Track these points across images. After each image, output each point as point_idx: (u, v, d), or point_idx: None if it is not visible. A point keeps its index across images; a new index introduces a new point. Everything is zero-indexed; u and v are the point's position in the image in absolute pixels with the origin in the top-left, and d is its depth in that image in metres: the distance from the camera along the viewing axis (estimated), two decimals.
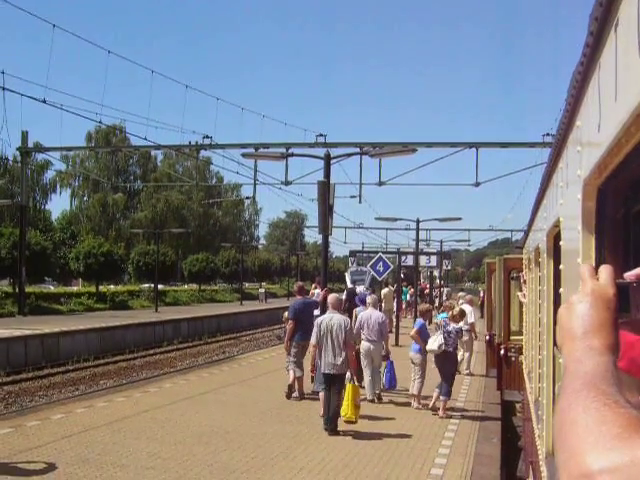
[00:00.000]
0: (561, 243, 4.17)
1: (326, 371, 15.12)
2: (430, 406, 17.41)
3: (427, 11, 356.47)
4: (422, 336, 17.92)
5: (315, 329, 15.52)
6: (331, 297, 16.57)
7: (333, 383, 15.07)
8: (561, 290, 4.18)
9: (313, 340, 15.64)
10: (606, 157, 2.46)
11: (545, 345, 6.33)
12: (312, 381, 19.02)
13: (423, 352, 17.81)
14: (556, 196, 4.74)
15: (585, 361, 1.35)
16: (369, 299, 20.22)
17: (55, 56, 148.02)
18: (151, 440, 13.67)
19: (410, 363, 18.30)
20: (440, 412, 17.06)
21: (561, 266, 4.14)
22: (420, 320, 18.52)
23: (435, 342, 17.62)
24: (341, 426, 14.93)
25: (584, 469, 1.16)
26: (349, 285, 42.13)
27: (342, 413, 14.81)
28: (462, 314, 19.02)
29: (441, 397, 17.27)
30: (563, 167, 4.18)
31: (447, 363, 17.41)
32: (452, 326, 17.60)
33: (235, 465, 12.03)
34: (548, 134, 39.25)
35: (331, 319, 15.34)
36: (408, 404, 18.19)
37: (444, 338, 17.35)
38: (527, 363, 12.46)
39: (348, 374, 15.31)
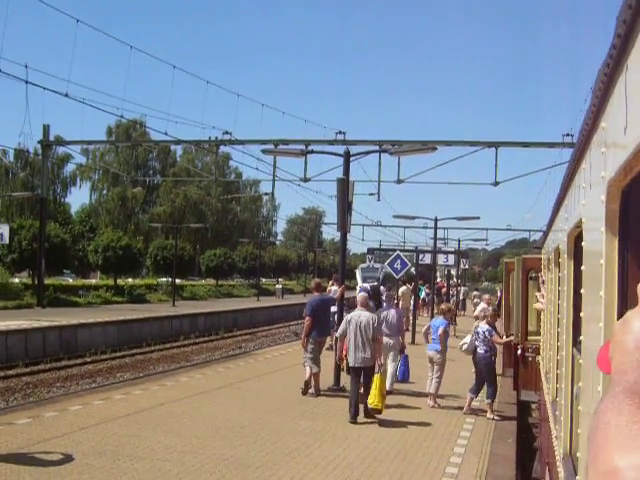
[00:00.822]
0: (583, 244, 4.16)
1: (355, 364, 15.93)
2: (464, 411, 17.35)
3: (445, 9, 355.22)
4: (445, 335, 18.05)
5: (343, 324, 16.52)
6: (360, 296, 17.53)
7: (361, 375, 15.91)
8: (582, 291, 4.18)
9: (339, 333, 16.81)
10: (632, 159, 2.46)
11: (564, 346, 6.31)
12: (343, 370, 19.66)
13: (443, 352, 17.91)
14: (578, 197, 4.73)
15: (630, 372, 1.36)
16: (385, 297, 20.47)
17: (78, 50, 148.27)
18: (167, 433, 13.73)
19: (427, 362, 18.34)
20: (465, 407, 17.17)
21: (582, 267, 4.14)
22: (443, 319, 18.49)
23: (461, 341, 17.95)
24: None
25: (610, 465, 1.18)
26: (359, 283, 42.04)
27: (369, 401, 15.61)
28: (495, 315, 19.01)
29: (468, 394, 17.44)
30: (586, 168, 4.17)
31: (477, 363, 17.62)
32: (481, 327, 17.67)
33: (251, 460, 12.07)
34: (568, 134, 39.09)
35: (359, 316, 16.17)
36: (424, 402, 18.19)
37: (472, 338, 17.55)
38: (544, 363, 12.42)
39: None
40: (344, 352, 17.13)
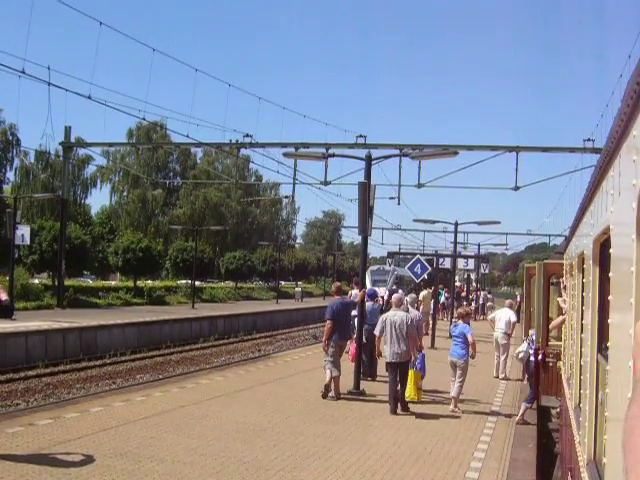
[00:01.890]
0: (611, 251, 4.15)
1: (391, 360, 17.34)
2: (517, 420, 17.31)
3: (465, 17, 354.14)
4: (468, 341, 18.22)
5: (380, 324, 17.72)
6: (395, 297, 19.23)
7: (397, 369, 17.35)
8: (610, 297, 4.16)
9: (377, 332, 17.75)
10: None
11: (589, 352, 6.29)
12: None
13: (467, 357, 18.11)
14: (606, 203, 4.71)
15: None
16: (409, 298, 20.77)
17: (101, 53, 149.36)
18: (188, 435, 13.75)
19: (449, 367, 18.33)
20: (518, 417, 17.21)
21: (610, 273, 4.12)
22: (464, 325, 18.50)
23: (518, 348, 18.40)
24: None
25: None
26: (368, 286, 41.95)
27: (406, 394, 17.65)
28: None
29: (523, 404, 17.65)
30: (614, 175, 4.15)
31: (528, 370, 18.17)
32: (534, 334, 17.93)
33: (271, 463, 12.07)
34: (589, 139, 39.05)
35: (394, 315, 17.63)
36: (445, 406, 18.21)
37: (527, 346, 17.96)
38: (566, 369, 12.37)
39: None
40: (380, 348, 18.00)
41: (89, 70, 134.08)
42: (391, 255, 56.84)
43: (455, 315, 24.43)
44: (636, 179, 3.09)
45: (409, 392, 17.80)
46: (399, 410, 17.18)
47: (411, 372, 17.81)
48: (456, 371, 18.02)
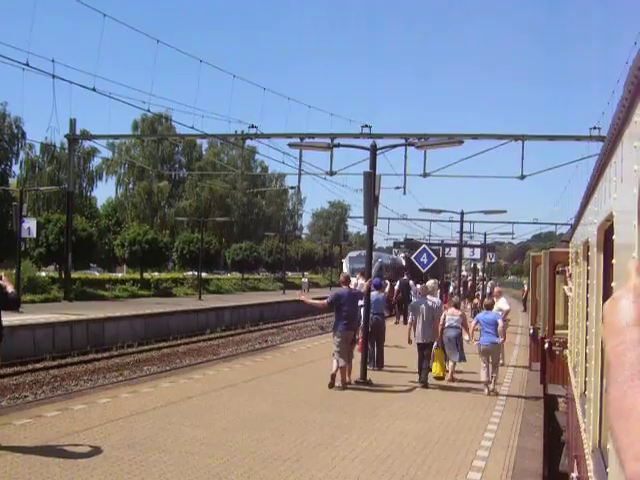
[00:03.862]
0: (614, 237, 4.15)
1: (420, 341, 19.72)
2: None
3: (470, 7, 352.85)
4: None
5: (411, 309, 20.77)
6: (421, 287, 21.95)
7: (424, 349, 19.70)
8: (613, 284, 4.17)
9: (410, 318, 20.78)
10: None
11: (593, 339, 6.30)
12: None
13: (500, 343, 19.73)
14: (609, 190, 4.71)
15: (628, 353, 1.38)
16: (428, 287, 21.31)
17: (105, 45, 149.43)
18: (195, 426, 13.78)
19: (480, 355, 19.29)
20: None
21: (613, 260, 4.12)
22: (494, 313, 20.00)
23: None
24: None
25: None
26: (345, 271, 41.79)
27: (432, 371, 19.77)
28: None
29: None
30: (617, 162, 4.15)
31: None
32: None
33: (278, 453, 12.10)
34: (595, 127, 38.96)
35: (425, 302, 19.98)
36: (451, 394, 18.33)
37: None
38: (572, 357, 12.37)
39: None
40: (410, 335, 20.35)
41: (93, 62, 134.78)
42: (397, 245, 56.76)
43: (463, 305, 24.48)
44: (638, 165, 3.09)
45: (435, 369, 19.78)
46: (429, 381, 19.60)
47: (436, 351, 19.74)
48: (488, 357, 18.99)
